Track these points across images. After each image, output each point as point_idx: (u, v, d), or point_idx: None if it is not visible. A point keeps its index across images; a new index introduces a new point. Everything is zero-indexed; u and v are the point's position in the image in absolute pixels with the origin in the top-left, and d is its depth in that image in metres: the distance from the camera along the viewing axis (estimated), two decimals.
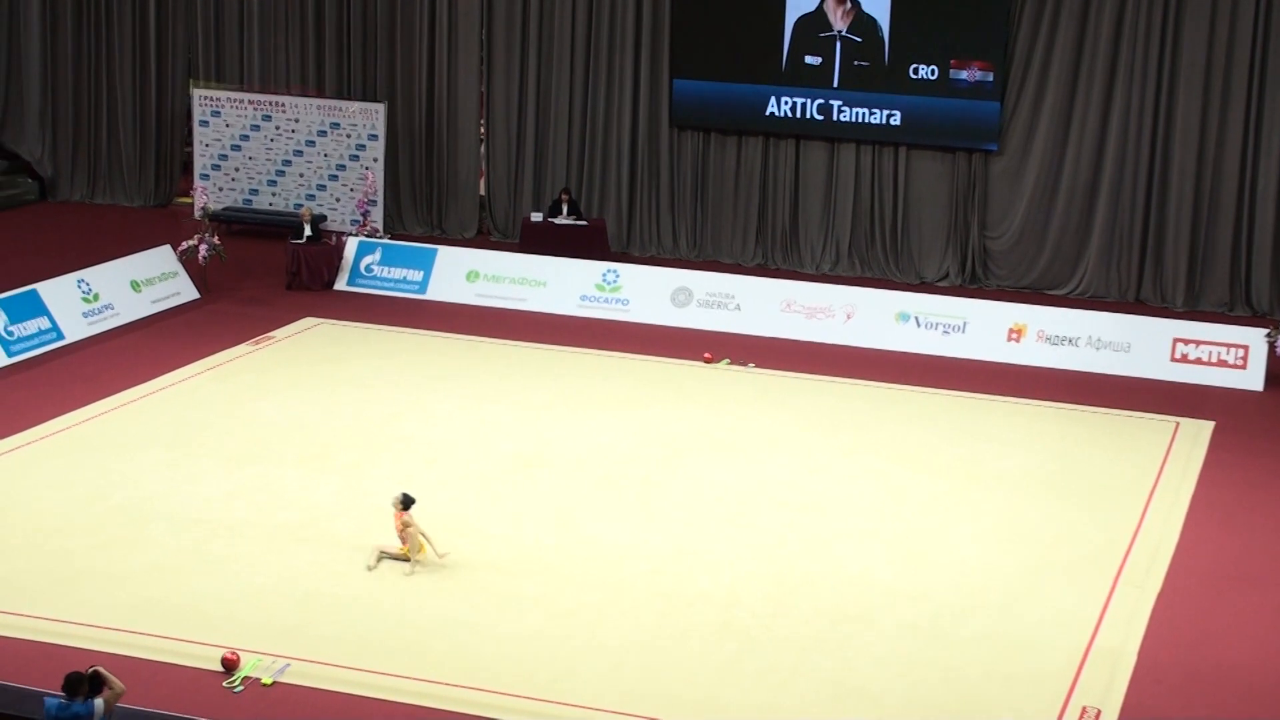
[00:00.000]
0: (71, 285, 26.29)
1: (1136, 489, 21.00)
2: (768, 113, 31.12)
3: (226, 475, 20.04)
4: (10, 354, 24.54)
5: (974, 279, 30.73)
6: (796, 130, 31.17)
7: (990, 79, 29.84)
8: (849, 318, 27.35)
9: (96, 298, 26.51)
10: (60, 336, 25.50)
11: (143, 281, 27.55)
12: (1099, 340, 26.39)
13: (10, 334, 24.70)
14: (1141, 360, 26.14)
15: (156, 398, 23.13)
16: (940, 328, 26.96)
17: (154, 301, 27.53)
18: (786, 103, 31.00)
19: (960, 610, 17.35)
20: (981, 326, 26.86)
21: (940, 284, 30.57)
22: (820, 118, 30.88)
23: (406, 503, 18.03)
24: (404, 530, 17.90)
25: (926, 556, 18.69)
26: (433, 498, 19.47)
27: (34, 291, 25.55)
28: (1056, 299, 29.31)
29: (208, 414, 22.38)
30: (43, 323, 25.36)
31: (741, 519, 19.54)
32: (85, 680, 13.30)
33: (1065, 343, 26.48)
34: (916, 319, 27.11)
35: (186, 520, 18.79)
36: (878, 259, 31.22)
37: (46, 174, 35.68)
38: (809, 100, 30.87)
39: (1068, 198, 30.04)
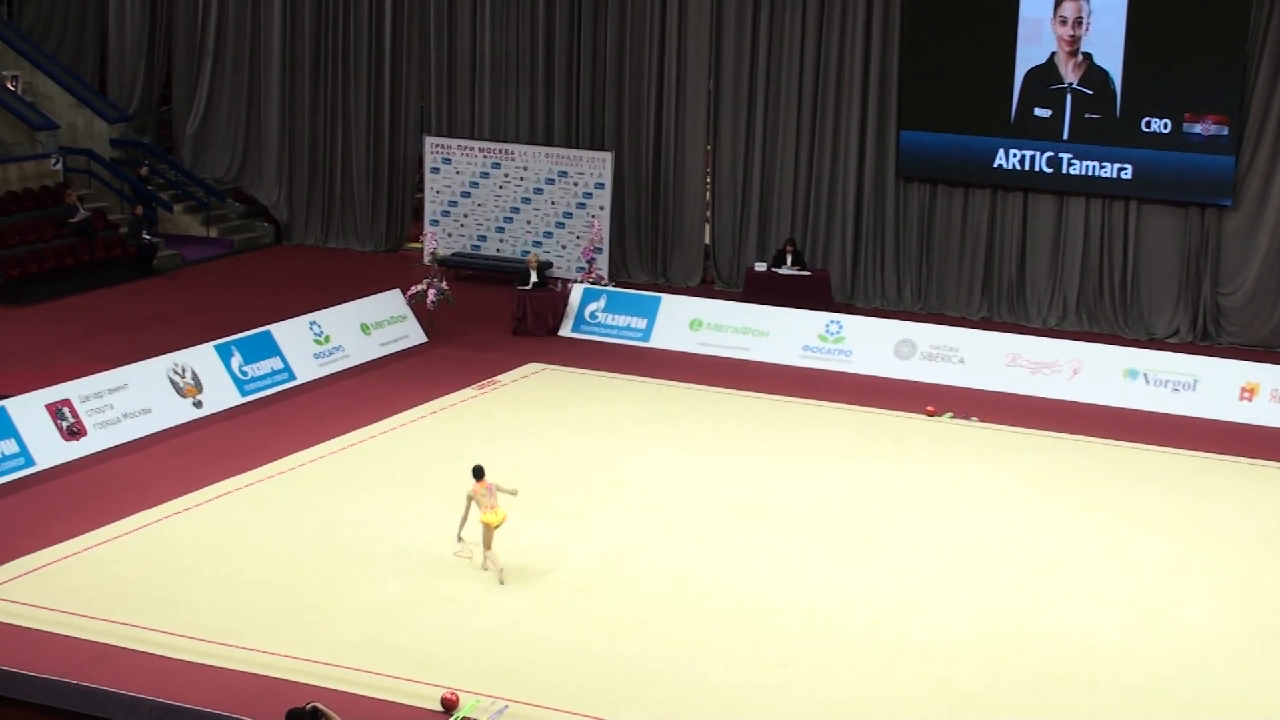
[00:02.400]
0: (304, 327, 26.82)
1: None
2: (996, 165, 30.84)
3: (450, 517, 20.24)
4: (244, 393, 25.08)
5: (1205, 336, 30.12)
6: (1025, 183, 30.84)
7: (1225, 133, 29.28)
8: (1075, 373, 26.94)
9: (327, 339, 27.00)
10: (292, 377, 26.00)
11: (372, 324, 28.01)
12: None
13: (244, 373, 25.25)
14: None
15: (383, 439, 23.48)
16: (1170, 385, 26.44)
17: (383, 344, 27.97)
18: (1015, 155, 30.70)
19: (1187, 674, 16.92)
20: (1213, 385, 26.28)
21: (1170, 340, 30.00)
22: (1049, 170, 30.52)
23: (478, 473, 18.47)
24: (487, 500, 18.37)
25: (1153, 618, 18.27)
26: (652, 545, 19.53)
27: (268, 333, 26.09)
28: None
29: (433, 456, 22.65)
30: (275, 363, 25.88)
31: (962, 575, 19.28)
32: (306, 716, 13.47)
33: None
34: (1146, 376, 26.61)
35: (410, 560, 19.01)
36: (1106, 314, 30.74)
37: (283, 218, 36.53)
38: (1038, 153, 30.55)
39: None
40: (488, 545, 18.71)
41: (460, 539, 18.97)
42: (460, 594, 18.17)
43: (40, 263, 31.28)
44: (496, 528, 18.64)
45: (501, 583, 18.47)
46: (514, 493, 18.98)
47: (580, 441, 23.60)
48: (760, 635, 17.44)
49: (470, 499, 18.69)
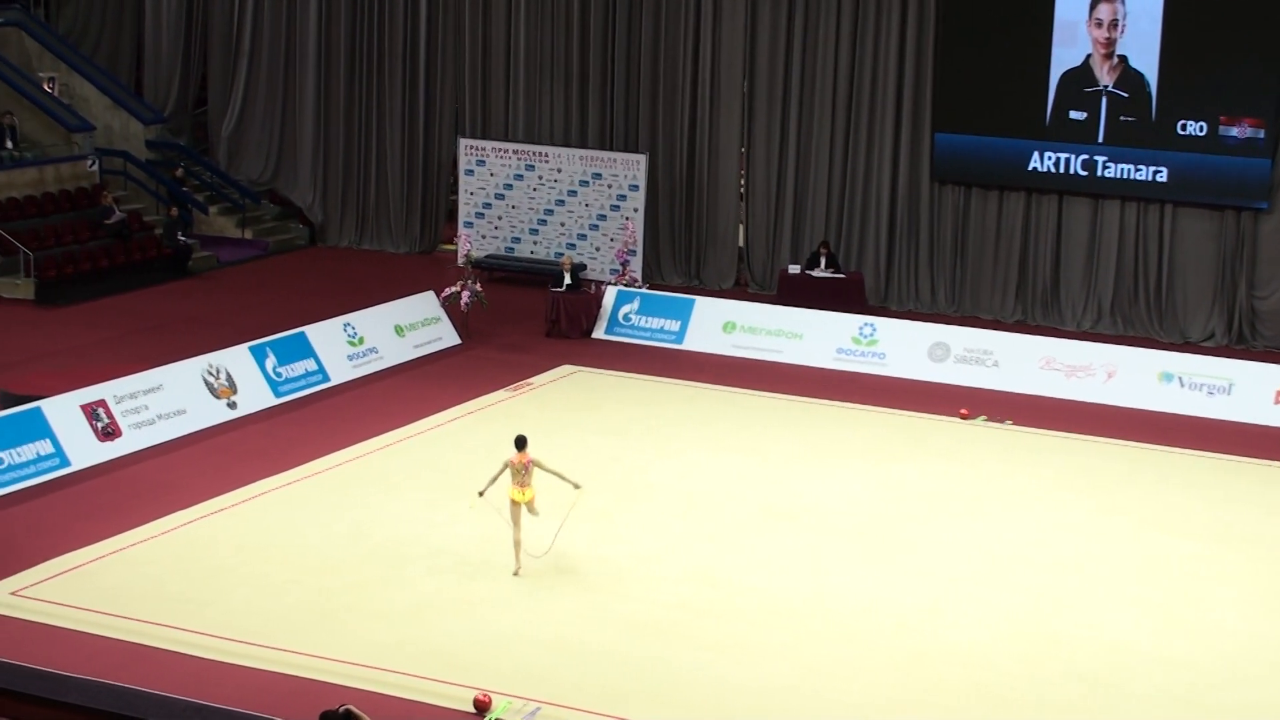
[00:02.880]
0: (338, 328, 26.94)
1: None
2: (1030, 168, 30.83)
3: (482, 518, 20.31)
4: (278, 394, 25.22)
5: (1240, 339, 30.07)
6: (1059, 186, 30.82)
7: (1261, 135, 29.23)
8: (1110, 377, 26.91)
9: (361, 341, 27.12)
10: (326, 378, 26.13)
11: (406, 326, 28.13)
12: None
13: (279, 375, 25.39)
14: None
15: (417, 440, 23.59)
16: (1205, 389, 26.40)
17: (416, 346, 28.09)
18: (1050, 158, 30.68)
19: (1220, 679, 16.92)
20: (1248, 388, 26.24)
21: (1205, 344, 29.95)
22: (1084, 173, 30.50)
23: (519, 443, 18.80)
24: (520, 476, 18.65)
25: (1186, 622, 18.27)
26: (683, 547, 19.61)
27: (302, 334, 26.23)
28: None
29: (466, 457, 22.72)
30: (310, 364, 26.02)
31: (994, 578, 19.31)
32: (339, 719, 13.54)
33: None
34: (1180, 379, 26.58)
35: (443, 562, 19.11)
36: (1141, 317, 30.70)
37: (317, 220, 36.69)
38: (1073, 155, 30.52)
39: None
40: (515, 523, 18.78)
41: (480, 494, 18.96)
42: (493, 595, 18.26)
43: (76, 264, 31.48)
44: (523, 504, 18.70)
45: (515, 574, 18.59)
46: (566, 480, 19.00)
47: (612, 443, 23.68)
48: (790, 638, 17.50)
49: (506, 465, 18.80)
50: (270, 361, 25.40)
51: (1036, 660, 17.17)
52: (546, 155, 33.45)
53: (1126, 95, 30.11)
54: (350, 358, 26.83)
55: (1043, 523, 21.17)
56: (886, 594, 18.71)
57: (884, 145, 32.02)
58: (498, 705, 15.73)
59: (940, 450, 23.94)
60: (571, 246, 33.06)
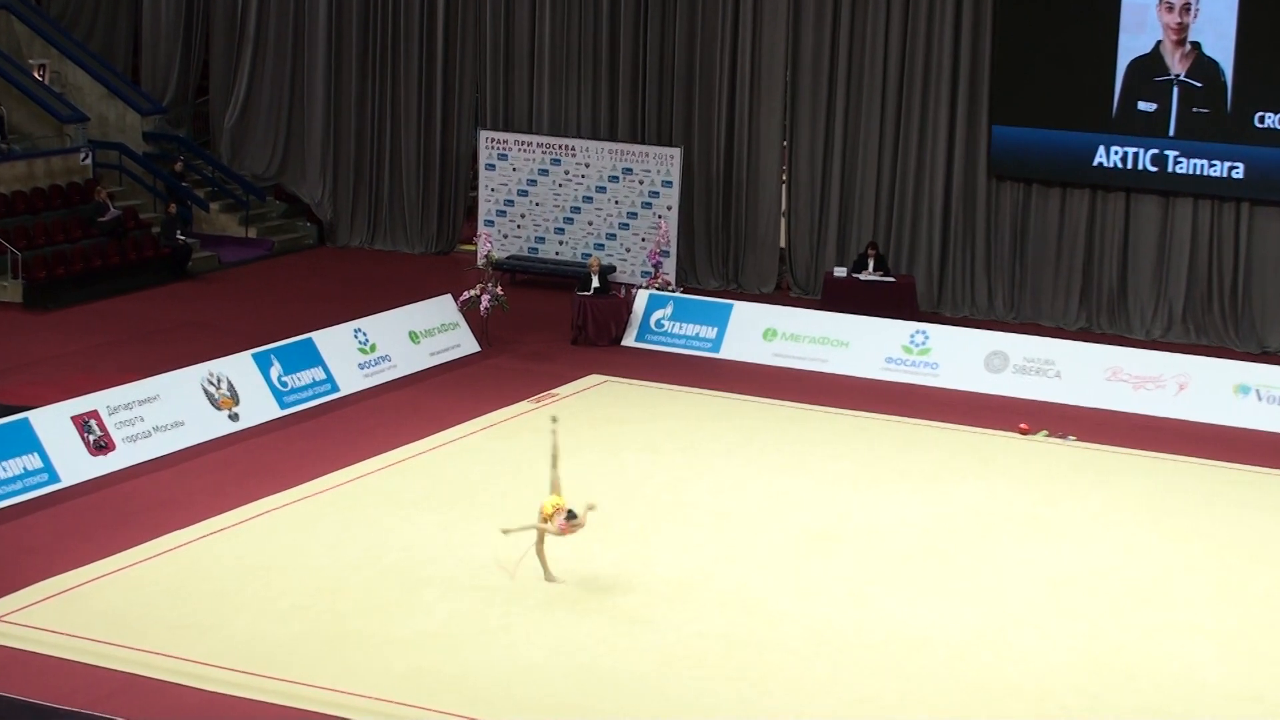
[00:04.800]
0: (348, 335, 27.02)
1: None
2: (1095, 163, 30.80)
3: (503, 540, 20.33)
4: (284, 405, 25.29)
5: None
6: (1127, 182, 30.78)
7: None
8: (1181, 389, 26.86)
9: (373, 348, 27.19)
10: (335, 389, 26.20)
11: (421, 333, 28.19)
12: None
13: (284, 384, 25.46)
14: None
15: (432, 455, 23.63)
16: None
17: (432, 354, 28.15)
18: (1117, 152, 30.65)
19: None
20: None
21: None
22: (1154, 169, 30.46)
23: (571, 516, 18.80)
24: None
25: (1261, 655, 18.20)
26: (720, 572, 19.61)
27: (309, 340, 26.29)
28: None
29: (485, 474, 22.77)
30: (317, 373, 26.09)
31: (1055, 605, 19.26)
32: None
33: None
34: (1258, 392, 26.52)
35: (460, 586, 19.12)
36: (1215, 325, 30.64)
37: (326, 218, 36.80)
38: (1142, 150, 30.49)
39: None
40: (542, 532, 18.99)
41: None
42: (515, 622, 18.27)
43: (67, 264, 31.61)
44: (547, 518, 18.84)
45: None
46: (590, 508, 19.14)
47: (644, 460, 23.70)
48: (834, 670, 17.48)
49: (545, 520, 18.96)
50: (275, 370, 25.48)
51: (1103, 695, 17.12)
52: (573, 149, 33.51)
53: (1200, 85, 30.06)
54: (361, 366, 26.89)
55: (1109, 548, 21.11)
56: (939, 624, 18.68)
57: (938, 139, 32.01)
58: None
59: (998, 468, 23.91)
60: (600, 247, 33.11)
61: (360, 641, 17.71)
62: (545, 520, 18.82)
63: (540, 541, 19.02)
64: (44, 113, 34.63)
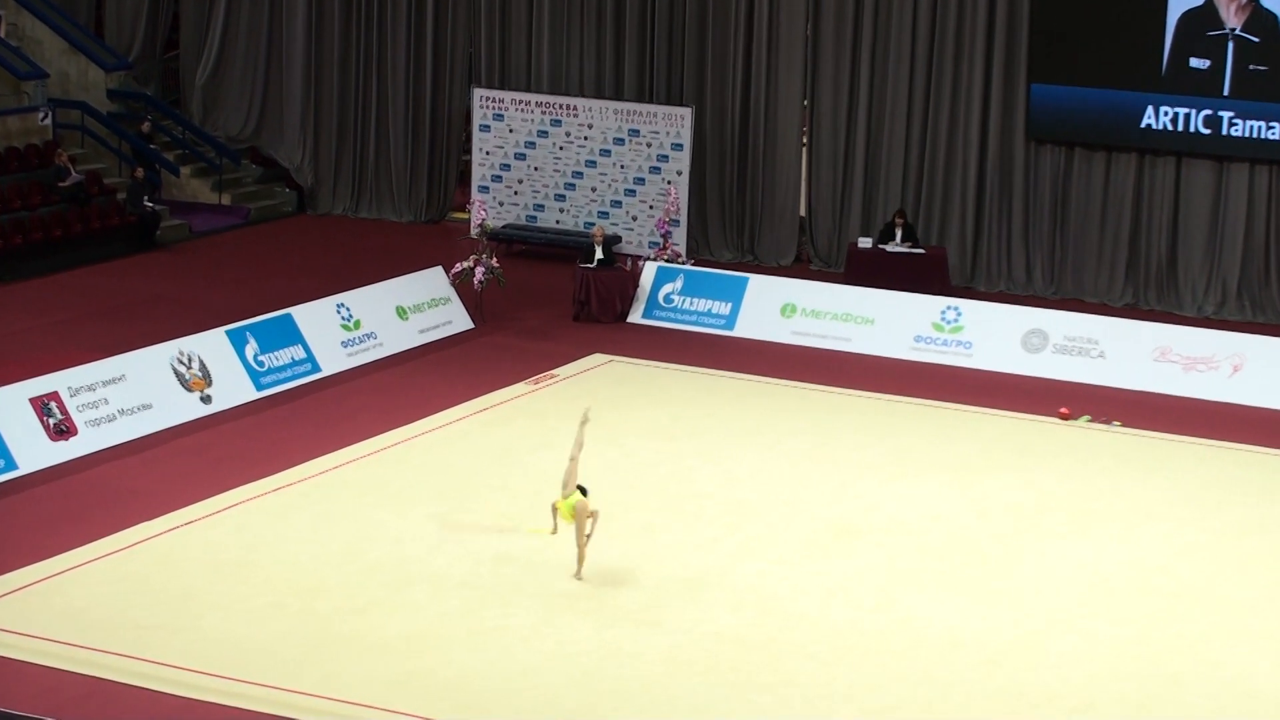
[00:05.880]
0: (330, 310, 27.04)
1: None
2: (1143, 125, 30.79)
3: (498, 535, 20.37)
4: (260, 387, 25.31)
5: None
6: (1178, 146, 30.77)
7: None
8: (1236, 370, 26.88)
9: (357, 325, 27.20)
10: (316, 369, 26.22)
11: (410, 308, 28.20)
12: None
13: (260, 364, 25.46)
14: None
15: (421, 441, 23.66)
16: None
17: (422, 331, 28.17)
18: (1166, 113, 30.62)
19: None
20: None
21: None
22: (1207, 131, 30.44)
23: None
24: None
25: None
26: (734, 569, 19.62)
27: (288, 316, 26.32)
28: None
29: (479, 462, 22.79)
30: (297, 352, 26.10)
31: (1098, 606, 19.27)
32: None
33: None
34: None
35: (452, 583, 19.15)
36: (1273, 301, 30.65)
37: (306, 183, 36.78)
38: (1193, 111, 30.47)
39: None
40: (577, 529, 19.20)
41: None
42: (512, 623, 18.29)
43: (25, 234, 31.60)
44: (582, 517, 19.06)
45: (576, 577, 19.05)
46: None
47: (652, 446, 23.72)
48: (858, 677, 17.50)
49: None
50: (251, 349, 25.49)
51: (1148, 705, 17.14)
52: (575, 108, 33.51)
53: (1257, 40, 30.04)
54: (344, 344, 26.92)
55: (1156, 543, 21.13)
56: (972, 627, 18.70)
57: (971, 99, 31.99)
58: None
59: (1036, 457, 23.92)
60: (604, 215, 33.13)
61: (343, 643, 17.73)
62: (579, 519, 18.90)
63: (585, 537, 19.11)
64: (0, 69, 34.62)
